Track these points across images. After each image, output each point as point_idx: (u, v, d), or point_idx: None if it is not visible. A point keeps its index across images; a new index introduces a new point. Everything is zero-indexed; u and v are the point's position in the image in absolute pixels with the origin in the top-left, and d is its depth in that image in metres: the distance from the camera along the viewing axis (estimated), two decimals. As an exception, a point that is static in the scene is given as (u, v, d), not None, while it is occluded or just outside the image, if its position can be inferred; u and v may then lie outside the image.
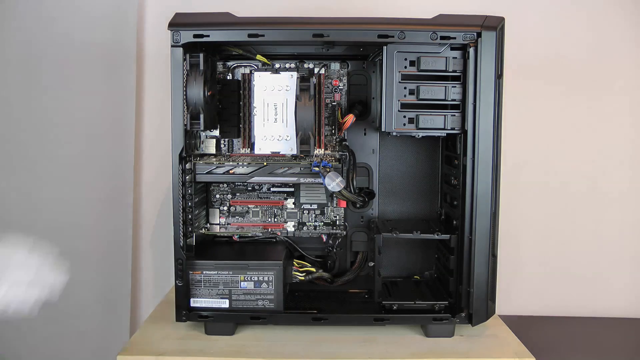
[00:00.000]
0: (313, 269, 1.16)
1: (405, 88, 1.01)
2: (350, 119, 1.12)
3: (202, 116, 1.01)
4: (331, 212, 1.20)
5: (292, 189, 1.19)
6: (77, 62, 1.31)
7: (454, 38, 0.98)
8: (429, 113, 1.02)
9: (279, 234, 1.20)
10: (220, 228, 1.20)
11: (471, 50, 0.98)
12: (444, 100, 1.01)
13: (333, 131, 1.18)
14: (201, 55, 1.01)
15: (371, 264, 1.15)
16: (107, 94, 1.38)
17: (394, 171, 1.22)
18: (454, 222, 1.09)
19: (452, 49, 1.01)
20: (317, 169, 1.04)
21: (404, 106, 1.02)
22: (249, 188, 1.20)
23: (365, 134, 1.20)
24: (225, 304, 1.05)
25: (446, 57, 1.00)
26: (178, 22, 0.99)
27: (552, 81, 1.45)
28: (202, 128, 1.02)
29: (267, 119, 1.07)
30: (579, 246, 1.48)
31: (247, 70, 1.16)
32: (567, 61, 1.44)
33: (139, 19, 1.44)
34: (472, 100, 0.99)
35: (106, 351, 1.36)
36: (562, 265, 1.49)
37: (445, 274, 1.12)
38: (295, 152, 1.06)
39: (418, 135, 1.05)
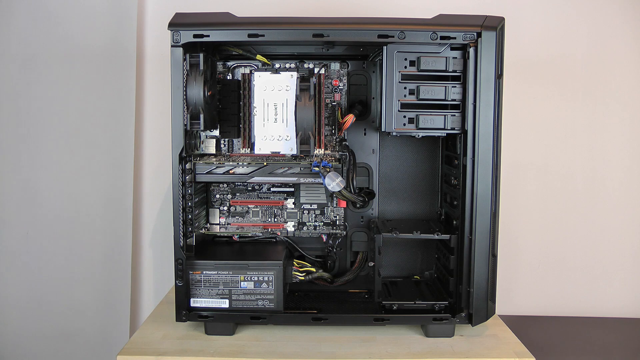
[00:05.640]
0: (313, 269, 1.16)
1: (405, 88, 1.01)
2: (350, 119, 1.12)
3: (202, 116, 1.01)
4: (331, 212, 1.20)
5: (292, 189, 1.19)
6: (77, 61, 1.31)
7: (454, 38, 0.98)
8: (429, 113, 1.02)
9: (279, 234, 1.20)
10: (220, 228, 1.20)
11: (471, 50, 0.98)
12: (444, 100, 1.01)
13: (333, 131, 1.18)
14: (201, 55, 1.01)
15: (371, 264, 1.15)
16: (107, 94, 1.38)
17: (394, 171, 1.22)
18: (454, 222, 1.09)
19: (452, 49, 1.01)
20: (317, 169, 1.04)
21: (404, 106, 1.02)
22: (249, 188, 1.20)
23: (365, 134, 1.20)
24: (225, 304, 1.05)
25: (446, 57, 1.00)
26: (178, 22, 0.99)
27: (551, 81, 1.45)
28: (202, 128, 1.02)
29: (267, 119, 1.07)
30: (579, 246, 1.48)
31: (247, 70, 1.16)
32: (566, 61, 1.45)
33: (139, 19, 1.44)
34: (472, 100, 0.99)
35: (106, 351, 1.36)
36: (562, 265, 1.49)
37: (445, 274, 1.12)
38: (295, 152, 1.06)
39: (418, 135, 1.05)
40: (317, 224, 1.20)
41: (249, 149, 1.15)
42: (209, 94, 1.05)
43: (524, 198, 1.47)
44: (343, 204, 1.19)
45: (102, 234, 1.38)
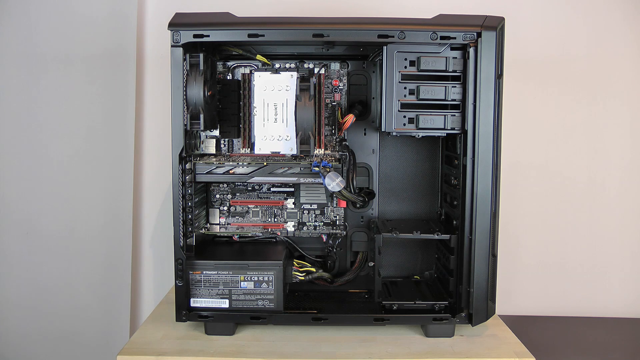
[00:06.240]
0: (313, 269, 1.16)
1: (405, 88, 1.01)
2: (350, 119, 1.13)
3: (202, 116, 1.01)
4: (331, 212, 1.20)
5: (292, 189, 1.19)
6: (77, 62, 1.31)
7: (454, 38, 0.98)
8: (429, 113, 1.02)
9: (279, 234, 1.20)
10: (220, 228, 1.20)
11: (471, 50, 0.98)
12: (444, 100, 1.01)
13: (333, 131, 1.18)
14: (201, 55, 1.01)
15: (371, 264, 1.15)
16: (107, 94, 1.38)
17: (394, 171, 1.22)
18: (454, 222, 1.09)
19: (452, 49, 1.01)
20: (317, 169, 1.04)
21: (404, 106, 1.02)
22: (249, 188, 1.20)
23: (365, 134, 1.20)
24: (225, 304, 1.05)
25: (446, 57, 1.00)
26: (178, 22, 0.99)
27: (551, 81, 1.45)
28: (202, 128, 1.02)
29: (267, 119, 1.07)
30: (579, 246, 1.48)
31: (247, 70, 1.16)
32: (566, 61, 1.45)
33: (139, 19, 1.44)
34: (472, 100, 0.99)
35: (106, 351, 1.36)
36: (562, 265, 1.49)
37: (445, 274, 1.12)
38: (295, 152, 1.06)
39: (418, 135, 1.05)
40: (317, 224, 1.20)
41: (249, 149, 1.15)
42: (209, 94, 1.05)
43: (524, 198, 1.47)
44: (343, 204, 1.19)
45: (102, 234, 1.38)
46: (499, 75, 0.99)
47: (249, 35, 0.99)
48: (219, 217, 1.20)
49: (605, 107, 1.46)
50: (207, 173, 1.07)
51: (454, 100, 1.01)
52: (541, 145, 1.46)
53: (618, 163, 1.47)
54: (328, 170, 1.03)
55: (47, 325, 1.27)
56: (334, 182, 1.01)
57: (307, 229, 1.20)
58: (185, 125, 1.01)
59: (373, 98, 1.19)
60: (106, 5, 1.36)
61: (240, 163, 1.07)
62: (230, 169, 1.07)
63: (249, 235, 1.21)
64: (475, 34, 0.98)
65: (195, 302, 1.05)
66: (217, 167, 1.07)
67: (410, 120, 1.02)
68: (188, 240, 1.06)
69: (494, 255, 1.03)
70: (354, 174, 1.09)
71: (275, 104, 1.07)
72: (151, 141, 1.48)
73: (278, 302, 1.06)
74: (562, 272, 1.49)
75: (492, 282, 1.04)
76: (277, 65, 1.17)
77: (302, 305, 1.12)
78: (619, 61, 1.45)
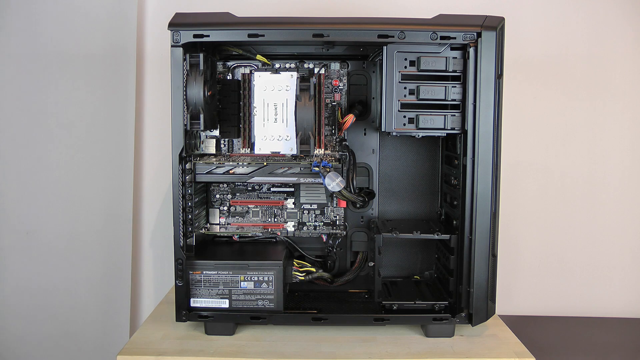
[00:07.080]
0: (313, 269, 1.16)
1: (405, 88, 1.01)
2: (350, 119, 1.13)
3: (202, 116, 1.01)
4: (331, 212, 1.20)
5: (292, 189, 1.19)
6: (77, 62, 1.31)
7: (454, 38, 0.98)
8: (429, 113, 1.02)
9: (279, 234, 1.20)
10: (220, 228, 1.20)
11: (471, 50, 0.98)
12: (444, 100, 1.01)
13: (333, 131, 1.18)
14: (201, 55, 1.01)
15: (371, 264, 1.15)
16: (107, 94, 1.38)
17: (394, 171, 1.22)
18: (454, 222, 1.09)
19: (452, 49, 1.01)
20: (317, 169, 1.04)
21: (404, 106, 1.02)
22: (249, 188, 1.20)
23: (365, 134, 1.20)
24: (225, 304, 1.05)
25: (446, 57, 1.00)
26: (178, 22, 0.99)
27: (551, 80, 1.45)
28: (202, 128, 1.02)
29: (267, 119, 1.07)
30: (579, 246, 1.48)
31: (247, 70, 1.16)
32: (566, 60, 1.45)
33: (139, 19, 1.44)
34: (472, 100, 0.99)
35: (106, 351, 1.36)
36: (562, 265, 1.49)
37: (445, 274, 1.12)
38: (295, 152, 1.06)
39: (418, 135, 1.05)
40: (317, 224, 1.20)
41: (249, 149, 1.15)
42: (209, 94, 1.05)
43: (524, 198, 1.47)
44: (343, 204, 1.19)
45: (103, 234, 1.38)
46: (499, 75, 0.99)
47: (249, 35, 0.99)
48: (219, 217, 1.20)
49: (606, 106, 1.46)
50: (207, 173, 1.07)
51: (454, 100, 1.01)
52: (541, 145, 1.46)
53: (618, 163, 1.47)
54: (328, 170, 1.03)
55: (47, 325, 1.27)
56: (334, 182, 1.02)
57: (307, 229, 1.20)
58: (185, 125, 1.01)
59: (373, 98, 1.19)
60: (106, 5, 1.36)
61: (240, 163, 1.07)
62: (230, 169, 1.07)
63: (249, 235, 1.21)
64: (475, 34, 0.98)
65: (195, 302, 1.05)
66: (217, 167, 1.07)
67: (410, 120, 1.02)
68: (188, 240, 1.06)
69: (494, 255, 1.03)
70: (354, 174, 1.09)
71: (275, 104, 1.07)
72: (151, 141, 1.48)
73: (278, 302, 1.06)
74: (562, 272, 1.49)
75: (492, 282, 1.04)
76: (277, 65, 1.17)
77: (302, 305, 1.12)
78: (619, 61, 1.45)
